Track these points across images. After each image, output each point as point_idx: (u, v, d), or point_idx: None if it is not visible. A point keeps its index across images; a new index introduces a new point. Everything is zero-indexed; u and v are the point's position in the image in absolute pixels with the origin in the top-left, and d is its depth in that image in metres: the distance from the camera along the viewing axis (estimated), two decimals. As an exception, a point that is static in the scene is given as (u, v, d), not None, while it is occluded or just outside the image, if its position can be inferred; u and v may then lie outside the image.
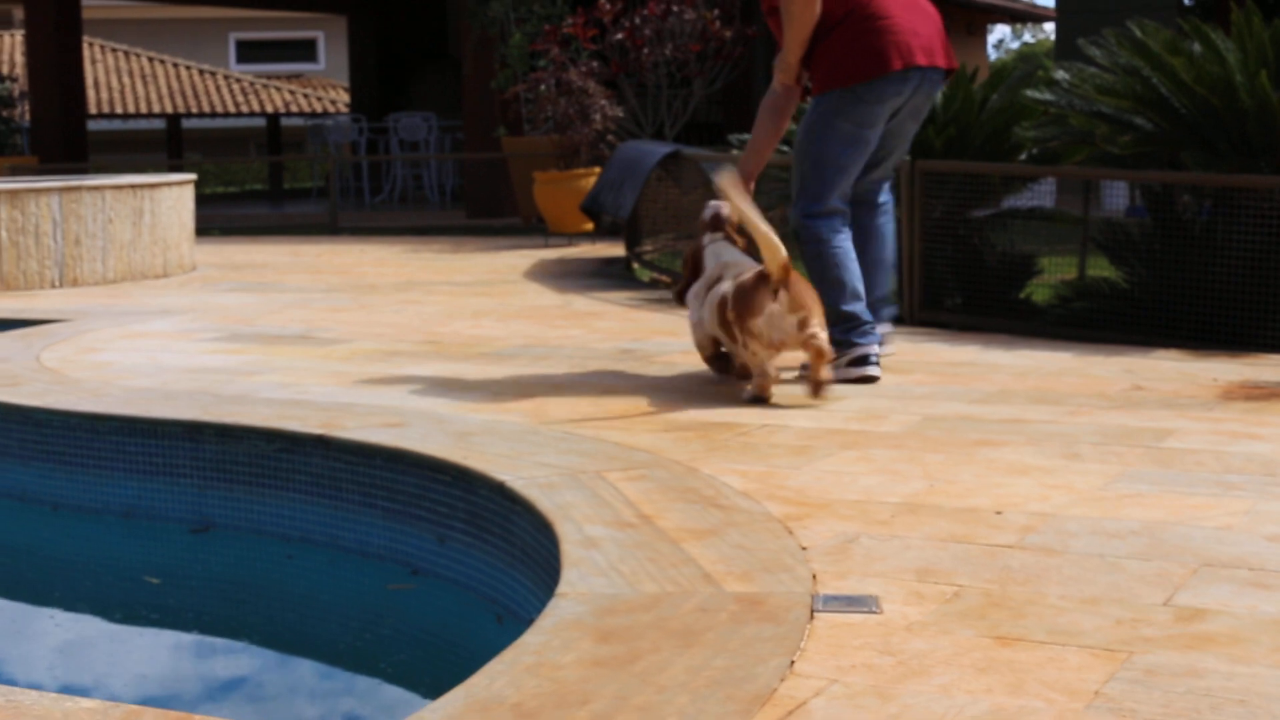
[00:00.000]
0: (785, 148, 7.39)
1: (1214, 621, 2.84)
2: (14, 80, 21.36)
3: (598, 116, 12.91)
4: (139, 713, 2.59)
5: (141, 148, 35.56)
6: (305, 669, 4.11)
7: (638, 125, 14.49)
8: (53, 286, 10.08)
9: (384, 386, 5.62)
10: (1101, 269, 7.27)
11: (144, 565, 4.92)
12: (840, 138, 5.63)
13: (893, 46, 5.54)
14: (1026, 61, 8.51)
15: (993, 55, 53.93)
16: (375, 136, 22.93)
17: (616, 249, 12.06)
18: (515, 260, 11.59)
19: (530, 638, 2.81)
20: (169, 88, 32.75)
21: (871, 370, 5.55)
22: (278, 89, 33.61)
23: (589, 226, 12.99)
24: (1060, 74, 7.07)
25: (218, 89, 33.16)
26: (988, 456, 4.29)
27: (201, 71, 33.86)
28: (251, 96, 33.02)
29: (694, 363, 6.01)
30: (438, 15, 24.24)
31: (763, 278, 5.12)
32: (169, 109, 31.81)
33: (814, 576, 3.17)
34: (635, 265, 10.68)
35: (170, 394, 5.48)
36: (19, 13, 32.61)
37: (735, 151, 8.71)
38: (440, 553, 4.20)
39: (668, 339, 6.77)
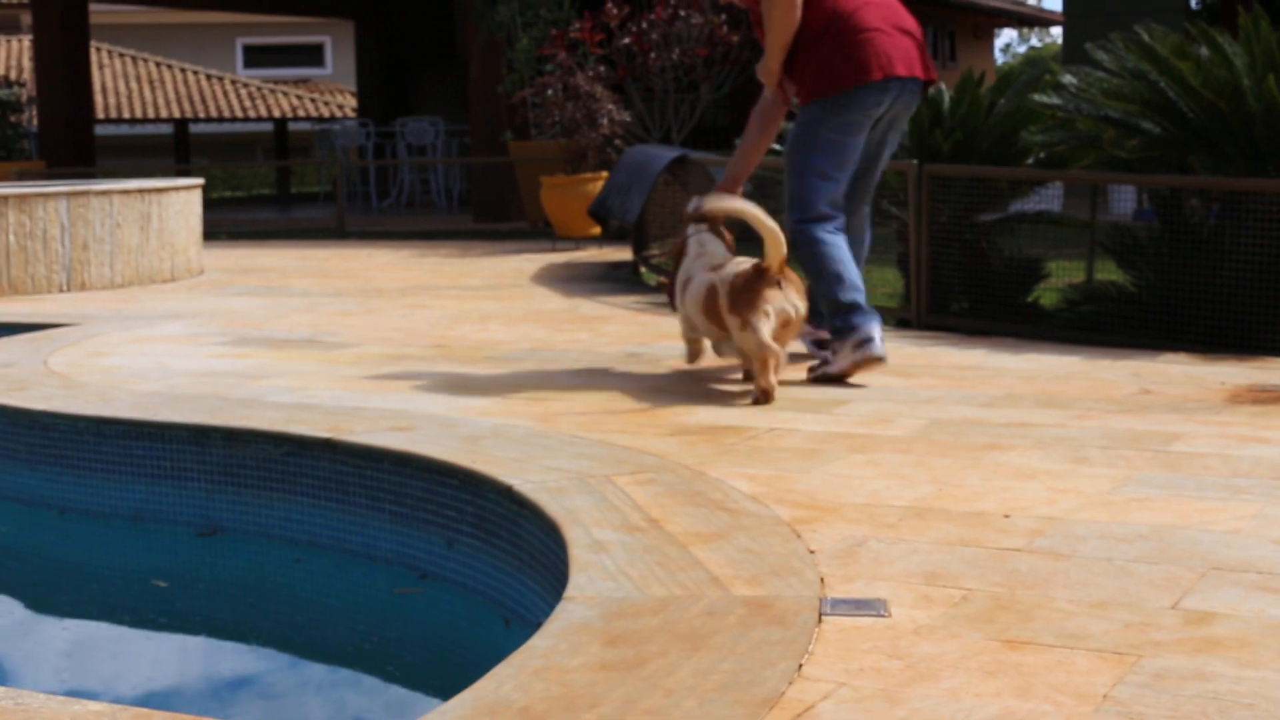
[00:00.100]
0: (780, 145, 7.43)
1: (1222, 625, 2.84)
2: (22, 85, 21.39)
3: (605, 121, 12.92)
4: (146, 715, 2.59)
5: (149, 152, 35.59)
6: (313, 672, 4.10)
7: (645, 130, 14.50)
8: (60, 291, 10.09)
9: (391, 390, 5.62)
10: (1109, 273, 7.27)
11: (151, 569, 4.92)
12: (824, 147, 5.77)
13: (873, 57, 5.68)
14: (1033, 65, 8.49)
15: (1000, 59, 53.88)
16: (382, 141, 22.94)
17: (624, 253, 12.06)
18: (522, 264, 11.59)
19: (538, 641, 2.80)
20: (176, 92, 32.79)
21: (875, 350, 5.60)
22: (285, 94, 33.65)
23: (596, 231, 12.99)
24: (1067, 78, 7.07)
25: (225, 94, 33.20)
26: (995, 460, 4.28)
27: (209, 76, 33.91)
28: (259, 101, 33.06)
29: (701, 366, 6.02)
30: (445, 19, 24.27)
31: (762, 270, 5.32)
32: (176, 114, 31.86)
33: (822, 580, 3.17)
34: (642, 269, 10.68)
35: (178, 398, 5.49)
36: (27, 18, 32.65)
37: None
38: (448, 556, 4.20)
39: (675, 343, 6.76)
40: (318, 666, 4.14)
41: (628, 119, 13.29)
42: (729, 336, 5.49)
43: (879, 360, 5.61)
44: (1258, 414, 4.92)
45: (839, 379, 5.66)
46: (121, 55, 33.97)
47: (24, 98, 21.03)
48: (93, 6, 22.16)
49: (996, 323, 7.08)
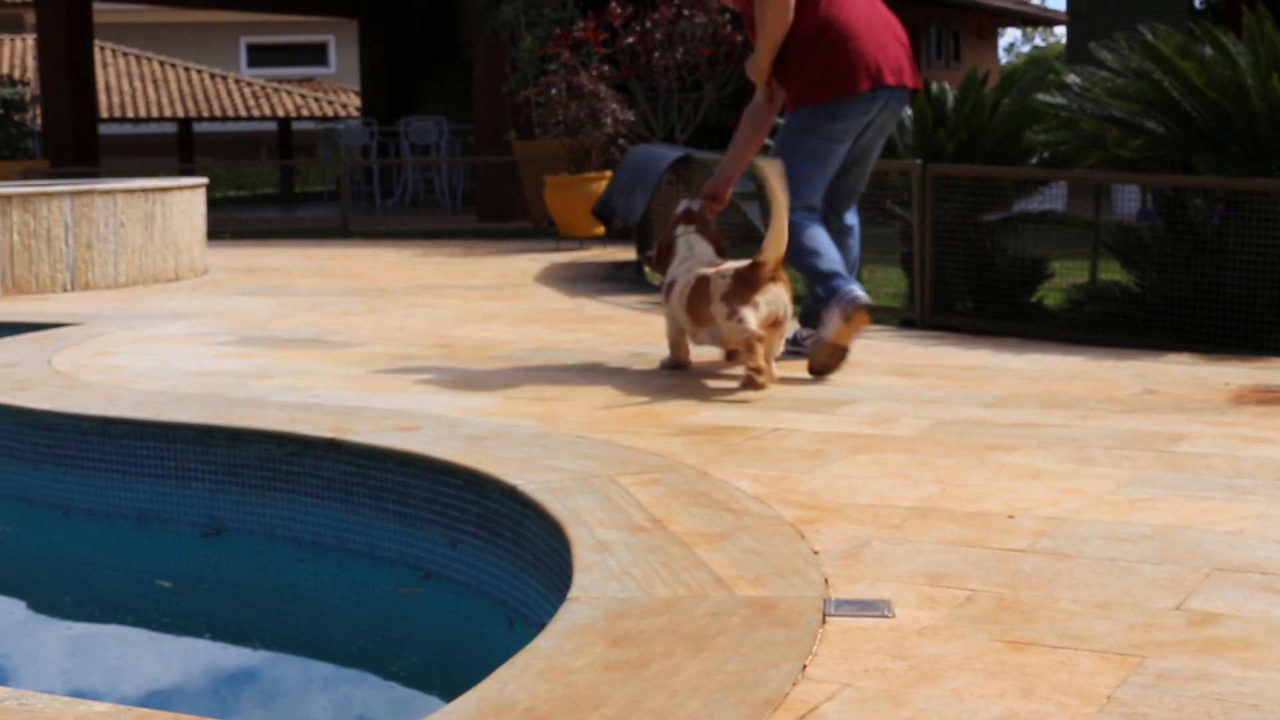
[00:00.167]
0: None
1: (1226, 626, 2.84)
2: (26, 84, 21.40)
3: (609, 120, 12.91)
4: (151, 716, 2.59)
5: (153, 152, 35.60)
6: (317, 672, 4.11)
7: (649, 129, 14.49)
8: (64, 290, 10.10)
9: (395, 390, 5.62)
10: (1113, 273, 7.27)
11: (156, 569, 4.92)
12: (809, 151, 5.98)
13: (862, 68, 5.88)
14: (1037, 65, 8.50)
15: (1004, 59, 53.90)
16: (386, 140, 22.95)
17: (628, 253, 12.06)
18: (526, 264, 11.59)
19: (542, 642, 2.81)
20: (180, 92, 32.81)
21: (861, 300, 5.71)
22: (289, 93, 33.66)
23: (600, 230, 12.99)
24: (1071, 78, 7.07)
25: (229, 93, 33.22)
26: (999, 460, 4.28)
27: (212, 75, 33.92)
28: (262, 100, 33.08)
29: (705, 366, 6.02)
30: (448, 19, 24.28)
31: (756, 265, 5.49)
32: (180, 113, 31.87)
33: (826, 580, 3.17)
34: (646, 269, 10.68)
35: (182, 397, 5.49)
36: (30, 17, 32.67)
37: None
38: (452, 557, 4.20)
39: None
40: (321, 667, 4.14)
41: (631, 118, 13.29)
42: (708, 327, 5.64)
43: (866, 311, 5.73)
44: (1262, 414, 4.91)
45: (837, 349, 5.75)
46: (125, 54, 33.98)
47: (28, 97, 21.04)
48: (97, 5, 22.17)
49: (1000, 323, 7.08)
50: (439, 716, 2.48)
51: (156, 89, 32.70)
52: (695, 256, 5.86)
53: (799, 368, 6.01)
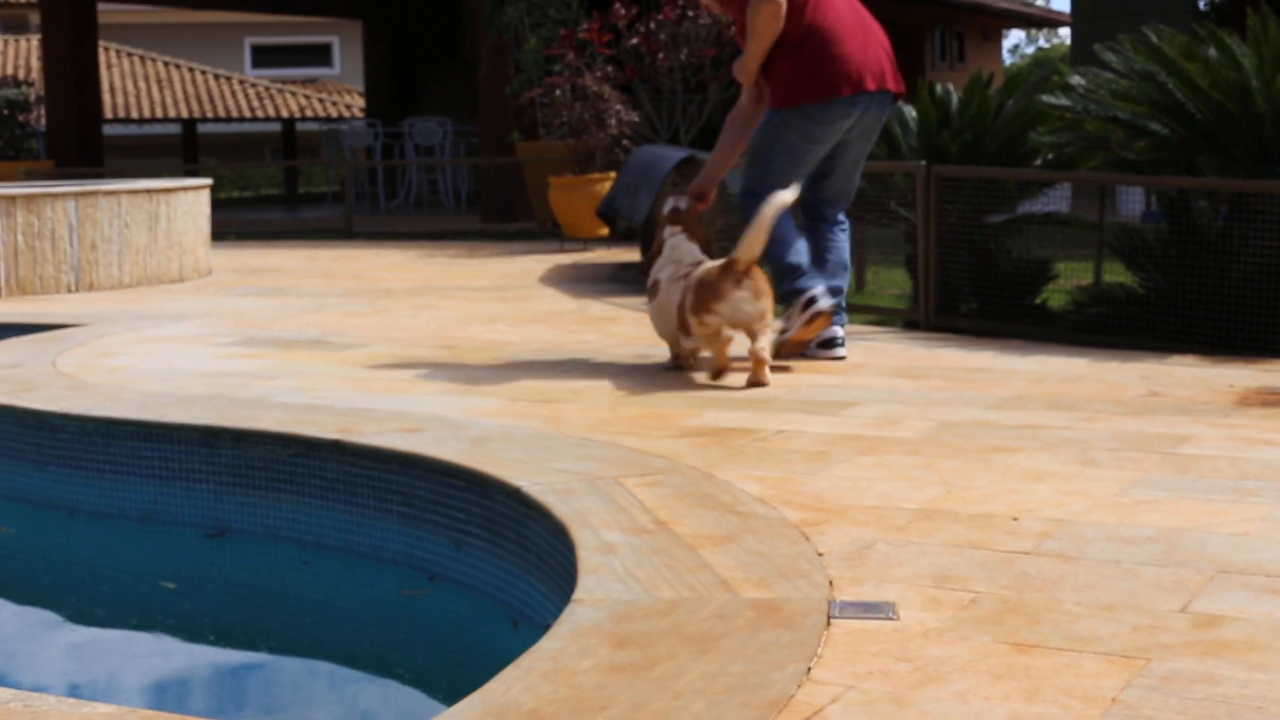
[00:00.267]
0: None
1: (1231, 628, 2.84)
2: (30, 85, 21.40)
3: (613, 121, 12.91)
4: (155, 717, 2.59)
5: (157, 152, 35.61)
6: (321, 674, 4.11)
7: (653, 130, 14.49)
8: (69, 291, 10.10)
9: (400, 391, 5.62)
10: (1117, 274, 7.27)
11: (160, 570, 4.92)
12: (786, 148, 6.21)
13: (843, 74, 6.11)
14: (1042, 67, 8.49)
15: (1008, 60, 53.90)
16: (390, 141, 22.94)
17: (632, 254, 12.05)
18: (530, 265, 11.60)
19: (547, 644, 2.81)
20: (184, 92, 32.82)
21: (821, 305, 6.06)
22: (293, 94, 33.67)
23: (604, 231, 12.99)
24: (1076, 79, 7.06)
25: (233, 94, 33.23)
26: (1004, 462, 4.28)
27: (217, 76, 33.93)
28: (267, 101, 33.09)
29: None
30: (453, 20, 24.27)
31: (728, 266, 5.62)
32: (184, 114, 31.88)
33: (831, 582, 3.17)
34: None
35: (186, 399, 5.49)
36: (35, 17, 32.68)
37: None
38: (456, 558, 4.20)
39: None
40: (325, 668, 4.14)
41: (635, 119, 13.28)
42: (690, 328, 5.77)
43: (826, 314, 6.02)
44: (1266, 416, 4.91)
45: (798, 345, 6.13)
46: (130, 55, 34.00)
47: (32, 97, 21.04)
48: (101, 6, 22.18)
49: (1005, 324, 7.08)
50: (444, 718, 2.48)
51: (161, 90, 32.72)
52: (677, 258, 5.99)
53: (800, 368, 6.02)
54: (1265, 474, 4.09)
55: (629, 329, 7.45)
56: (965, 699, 2.52)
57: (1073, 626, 2.87)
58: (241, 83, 33.89)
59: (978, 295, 7.35)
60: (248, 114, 32.62)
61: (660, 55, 13.69)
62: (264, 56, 40.81)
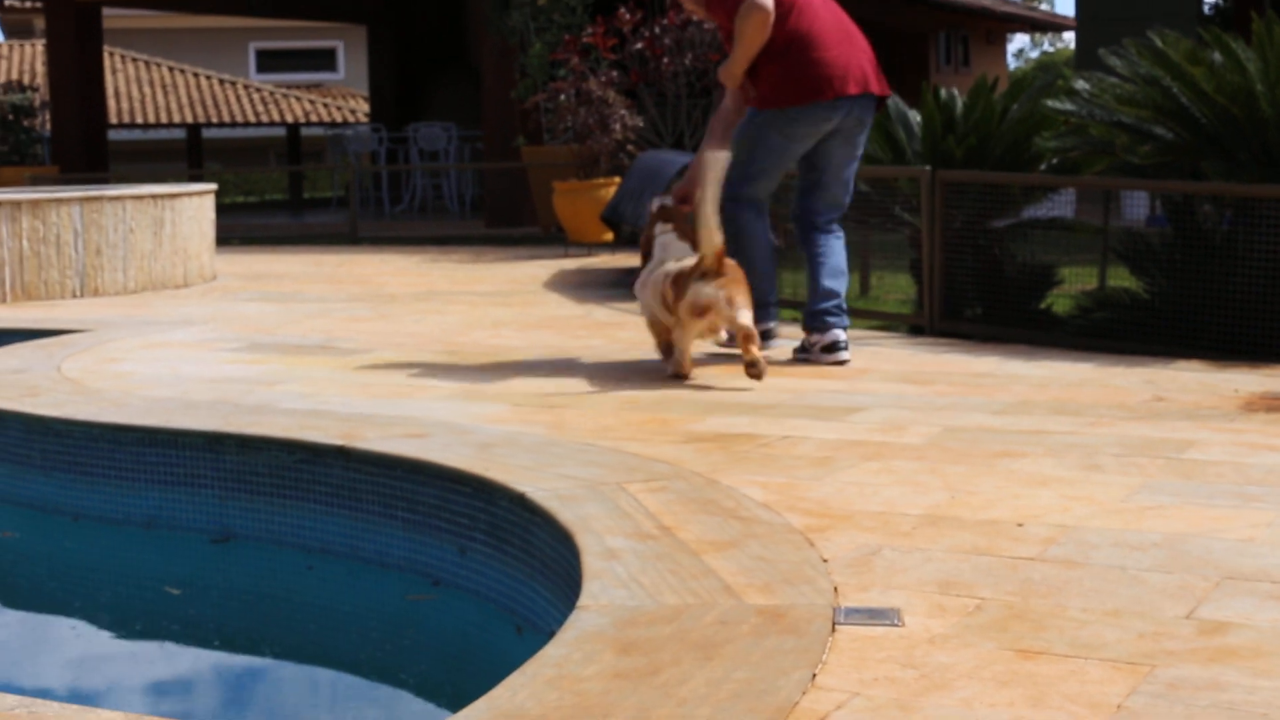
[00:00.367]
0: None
1: (1236, 635, 2.84)
2: (35, 90, 21.43)
3: (617, 126, 12.91)
4: (161, 725, 2.59)
5: (162, 157, 35.65)
6: (325, 680, 4.11)
7: (657, 135, 14.48)
8: (74, 296, 10.11)
9: (404, 397, 5.62)
10: (1122, 279, 7.26)
11: (164, 576, 4.93)
12: (769, 146, 6.47)
13: (825, 79, 6.34)
14: (1046, 71, 8.51)
15: (1013, 64, 53.89)
16: (395, 146, 22.96)
17: (636, 259, 12.01)
18: (535, 270, 11.60)
19: (552, 650, 2.80)
20: (189, 97, 32.84)
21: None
22: (297, 98, 33.68)
23: (609, 236, 12.98)
24: (1080, 84, 7.06)
25: (238, 98, 33.25)
26: (1009, 468, 4.28)
27: (221, 81, 33.96)
28: (271, 106, 33.10)
29: (714, 374, 6.02)
30: (457, 25, 24.28)
31: (698, 263, 5.77)
32: (189, 119, 31.90)
33: (835, 589, 3.17)
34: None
35: (191, 404, 5.49)
36: (40, 22, 32.71)
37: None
38: (461, 564, 4.20)
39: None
40: (330, 674, 4.14)
41: (640, 124, 13.28)
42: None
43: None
44: (1271, 422, 4.91)
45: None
46: (134, 60, 34.02)
47: (37, 102, 21.06)
48: (106, 11, 22.20)
49: (1009, 329, 7.08)
50: (448, 725, 2.48)
51: (165, 94, 32.74)
52: (669, 256, 6.09)
53: (805, 373, 6.02)
54: (1270, 479, 4.09)
55: (634, 334, 7.45)
56: (970, 706, 2.52)
57: (1078, 633, 2.86)
58: (246, 88, 33.91)
59: (982, 300, 7.35)
60: (252, 119, 32.64)
61: (665, 60, 13.69)
62: (269, 61, 40.84)
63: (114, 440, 5.13)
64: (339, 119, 32.53)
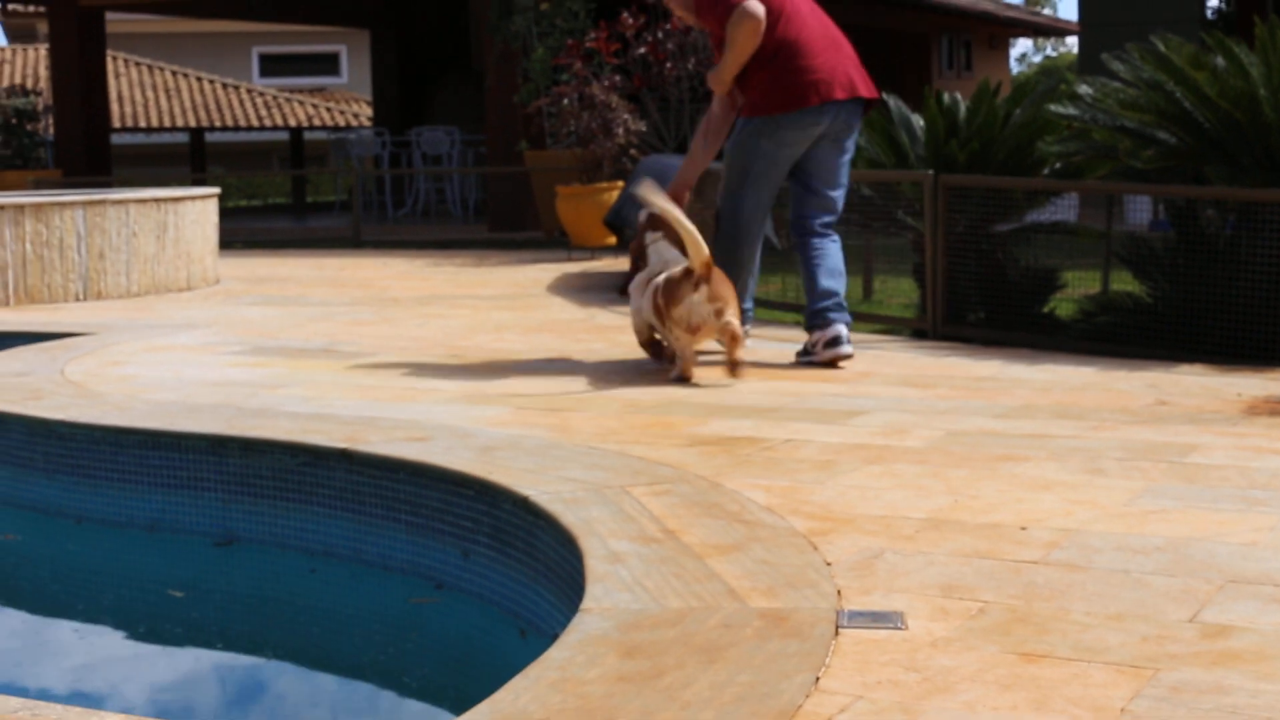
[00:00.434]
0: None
1: (1240, 638, 2.84)
2: (38, 94, 21.43)
3: (620, 130, 12.92)
4: (164, 727, 2.59)
5: (165, 161, 35.64)
6: (328, 683, 4.11)
7: (660, 139, 14.50)
8: (77, 300, 10.11)
9: (407, 400, 5.63)
10: (1125, 283, 7.26)
11: (168, 579, 4.93)
12: (761, 154, 6.61)
13: (811, 86, 6.47)
14: (1049, 75, 8.52)
15: (1015, 69, 53.88)
16: (398, 150, 22.95)
17: (639, 263, 12.04)
18: (538, 274, 11.60)
19: (555, 653, 2.81)
20: (192, 101, 32.85)
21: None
22: (300, 103, 33.69)
23: (612, 240, 12.99)
24: (1083, 88, 7.06)
25: (241, 103, 33.25)
26: (1011, 472, 4.28)
27: (225, 85, 33.96)
28: (274, 110, 33.11)
29: (718, 377, 6.02)
30: (460, 29, 24.27)
31: (688, 272, 5.91)
32: (192, 123, 31.90)
33: (839, 592, 3.17)
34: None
35: (194, 407, 5.50)
36: (43, 26, 32.74)
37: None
38: (464, 567, 4.20)
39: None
40: (333, 677, 4.14)
41: (643, 128, 13.29)
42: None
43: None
44: (1274, 426, 4.91)
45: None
46: (138, 64, 34.03)
47: (40, 106, 21.06)
48: (109, 15, 22.20)
49: (1012, 333, 7.08)
50: (452, 728, 2.48)
51: (168, 99, 32.74)
52: (664, 260, 6.24)
53: (807, 377, 6.02)
54: (1273, 483, 4.09)
55: (636, 338, 7.44)
56: (973, 709, 2.52)
57: (1081, 636, 2.87)
58: (249, 92, 33.91)
59: (985, 304, 7.35)
60: (255, 123, 32.63)
61: (668, 64, 13.71)
62: (272, 65, 40.85)
63: (117, 443, 5.13)
64: (342, 123, 32.53)
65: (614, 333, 7.71)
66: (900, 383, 5.91)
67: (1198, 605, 3.04)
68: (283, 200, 30.65)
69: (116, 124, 30.05)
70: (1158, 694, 2.56)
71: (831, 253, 6.62)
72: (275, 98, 33.71)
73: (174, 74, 33.95)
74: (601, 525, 3.69)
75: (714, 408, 5.40)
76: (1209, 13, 18.06)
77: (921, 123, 7.99)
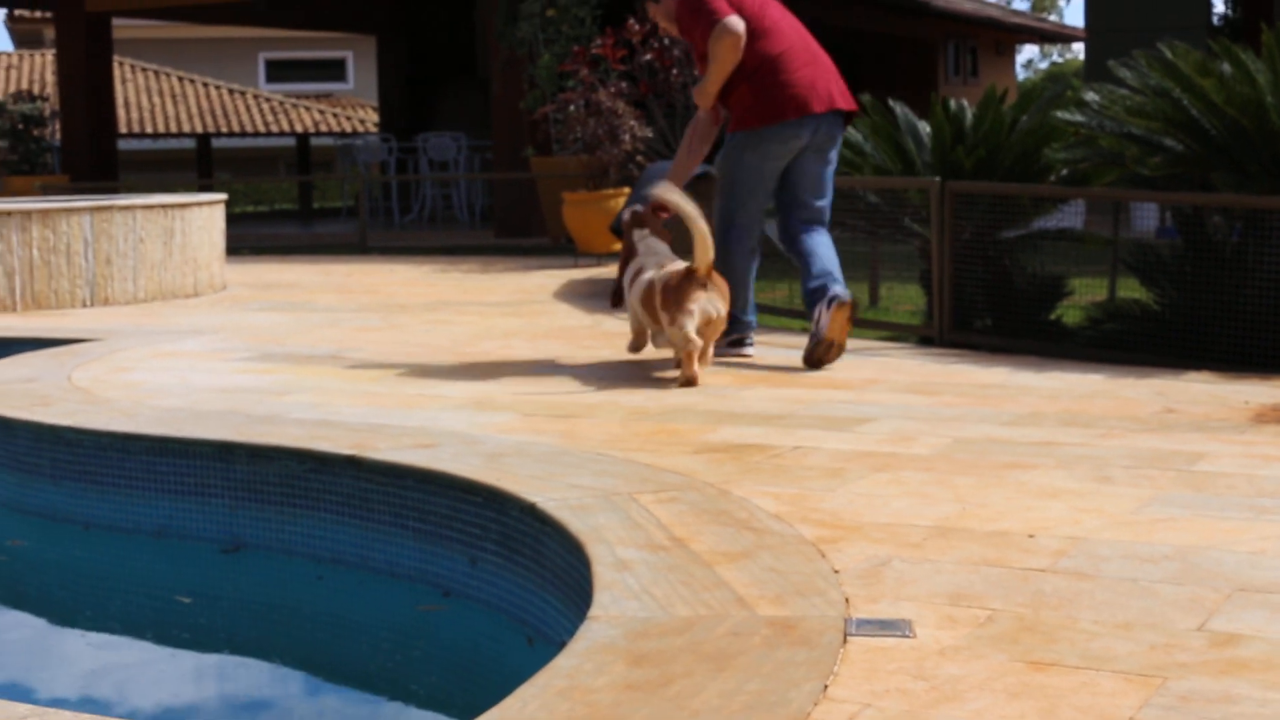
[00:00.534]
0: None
1: (1248, 647, 2.83)
2: (45, 99, 21.47)
3: (627, 137, 12.92)
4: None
5: (172, 167, 35.67)
6: (335, 690, 4.11)
7: (667, 146, 14.48)
8: (84, 306, 10.12)
9: (415, 407, 5.63)
10: (1132, 290, 7.26)
11: (175, 585, 4.93)
12: (747, 167, 6.81)
13: (791, 100, 6.67)
14: (1056, 82, 8.50)
15: (1021, 75, 53.87)
16: (404, 156, 22.97)
17: (645, 269, 12.04)
18: (544, 280, 11.60)
19: (563, 661, 2.81)
20: (199, 107, 32.88)
21: (747, 350, 6.90)
22: (307, 108, 33.72)
23: (618, 247, 12.97)
24: (1090, 95, 7.06)
25: (247, 108, 33.28)
26: (1019, 479, 4.28)
27: (231, 91, 33.99)
28: (281, 116, 33.14)
29: (725, 384, 6.02)
30: (466, 35, 24.30)
31: (691, 272, 6.05)
32: (199, 128, 31.93)
33: (847, 600, 3.17)
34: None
35: (201, 414, 5.50)
36: (50, 32, 32.77)
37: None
38: (471, 574, 4.20)
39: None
40: (340, 684, 4.14)
41: (649, 135, 13.28)
42: (663, 329, 6.20)
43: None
44: (1282, 433, 4.90)
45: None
46: (144, 70, 34.07)
47: (47, 112, 21.09)
48: (116, 21, 22.24)
49: (1019, 340, 7.08)
50: (460, 736, 2.48)
51: (175, 104, 32.78)
52: (655, 254, 6.48)
53: (813, 383, 6.02)
54: (1281, 491, 4.08)
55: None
56: (982, 717, 2.52)
57: (1089, 645, 2.86)
58: (256, 97, 33.94)
59: (992, 311, 7.35)
60: (262, 129, 32.67)
61: (674, 71, 13.70)
62: (278, 71, 40.88)
63: (124, 449, 5.14)
64: (348, 129, 32.55)
65: (621, 339, 7.70)
66: (907, 390, 5.91)
67: (1206, 614, 3.04)
68: (289, 206, 30.66)
69: (123, 129, 30.09)
70: (1166, 703, 2.56)
71: (822, 243, 6.79)
72: (282, 103, 33.74)
73: (180, 80, 33.99)
74: (609, 532, 3.69)
75: (722, 415, 5.40)
76: (1216, 19, 18.06)
77: (928, 129, 7.99)
